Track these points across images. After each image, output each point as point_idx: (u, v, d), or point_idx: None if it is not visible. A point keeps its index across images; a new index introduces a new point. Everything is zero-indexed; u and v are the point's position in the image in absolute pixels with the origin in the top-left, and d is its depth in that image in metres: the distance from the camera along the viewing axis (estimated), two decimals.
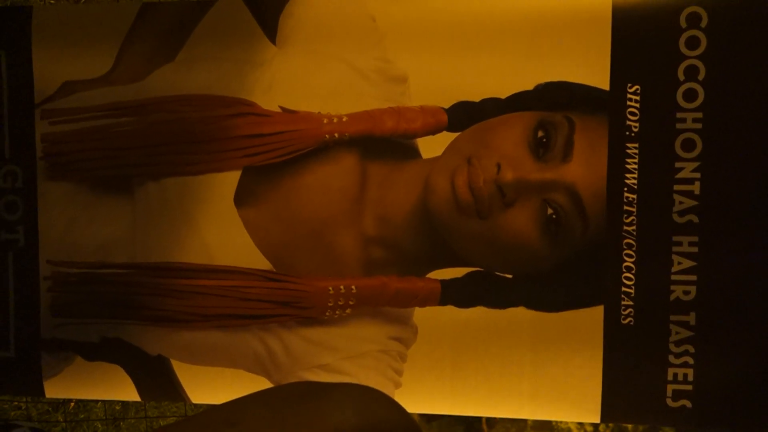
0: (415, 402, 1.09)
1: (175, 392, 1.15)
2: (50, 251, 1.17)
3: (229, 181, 1.11)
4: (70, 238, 1.16)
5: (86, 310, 1.16)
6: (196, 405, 1.27)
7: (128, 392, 1.17)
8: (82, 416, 1.99)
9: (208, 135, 1.11)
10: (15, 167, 1.17)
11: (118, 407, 2.21)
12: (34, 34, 1.15)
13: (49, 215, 1.16)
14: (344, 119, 1.08)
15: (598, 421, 1.06)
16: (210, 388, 1.15)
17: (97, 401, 2.00)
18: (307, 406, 0.52)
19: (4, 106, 1.17)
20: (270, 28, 1.10)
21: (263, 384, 1.12)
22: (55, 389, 1.19)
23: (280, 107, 1.10)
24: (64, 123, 1.15)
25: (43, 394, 1.19)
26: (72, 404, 1.98)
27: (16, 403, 1.81)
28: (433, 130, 1.07)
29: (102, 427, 2.03)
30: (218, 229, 1.12)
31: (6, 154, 1.17)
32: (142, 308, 1.14)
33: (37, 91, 1.16)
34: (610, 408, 1.05)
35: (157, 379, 1.15)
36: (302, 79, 1.09)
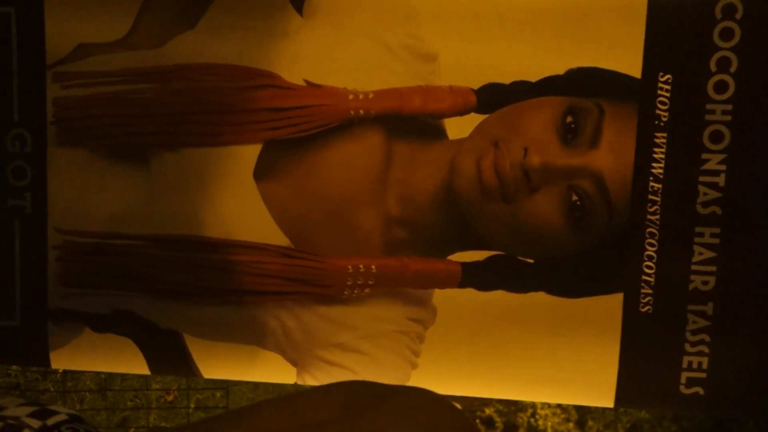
0: (432, 383, 1.08)
1: (187, 367, 1.14)
2: (59, 219, 1.13)
3: (249, 154, 1.09)
4: (81, 207, 1.13)
5: (97, 281, 1.13)
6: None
7: (138, 365, 1.15)
8: (70, 384, 1.96)
9: (228, 106, 1.09)
10: (24, 131, 1.13)
11: (103, 376, 2.18)
12: None
13: (59, 182, 1.13)
14: (370, 96, 1.06)
15: (611, 405, 1.08)
16: (223, 363, 1.13)
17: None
18: (364, 416, 0.51)
19: (14, 67, 1.12)
20: None
21: (278, 361, 1.12)
22: (61, 360, 1.16)
23: (305, 81, 1.07)
24: (78, 87, 1.11)
25: (48, 364, 1.16)
26: (59, 373, 1.95)
27: (6, 369, 1.78)
28: (461, 111, 1.05)
29: (90, 396, 2.00)
30: (236, 203, 1.10)
31: (15, 117, 1.13)
32: (155, 281, 1.12)
33: (49, 52, 1.11)
34: (624, 393, 1.06)
35: (168, 354, 1.14)
36: (328, 53, 1.07)
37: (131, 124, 1.11)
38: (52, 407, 0.71)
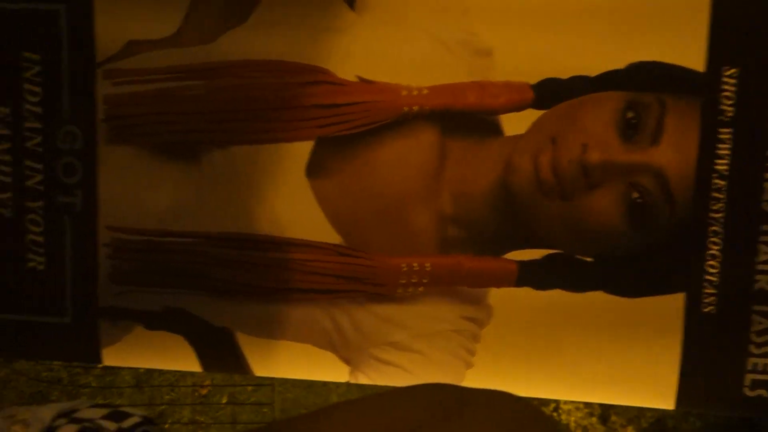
0: (487, 383, 1.07)
1: (238, 365, 1.13)
2: (110, 217, 1.13)
3: (300, 151, 1.07)
4: (132, 204, 1.12)
5: (148, 279, 1.13)
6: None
7: (189, 363, 1.15)
8: (109, 379, 1.98)
9: (279, 103, 1.07)
10: (74, 128, 1.12)
11: (141, 371, 2.20)
12: None
13: (110, 179, 1.12)
14: (424, 92, 1.04)
15: (672, 407, 1.05)
16: (275, 361, 1.13)
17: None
18: (450, 422, 0.50)
19: (64, 65, 1.12)
20: None
21: (330, 359, 1.11)
22: (113, 357, 1.16)
23: (357, 77, 1.05)
24: (128, 84, 1.10)
25: (100, 361, 1.17)
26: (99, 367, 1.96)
27: (50, 363, 1.79)
28: (518, 107, 1.03)
29: (128, 391, 2.01)
30: (288, 201, 1.09)
31: (65, 114, 1.12)
32: (206, 279, 1.11)
33: (99, 49, 1.10)
34: (685, 395, 1.04)
35: (220, 351, 1.13)
36: (381, 49, 1.05)
37: (181, 121, 1.10)
38: (125, 409, 0.71)
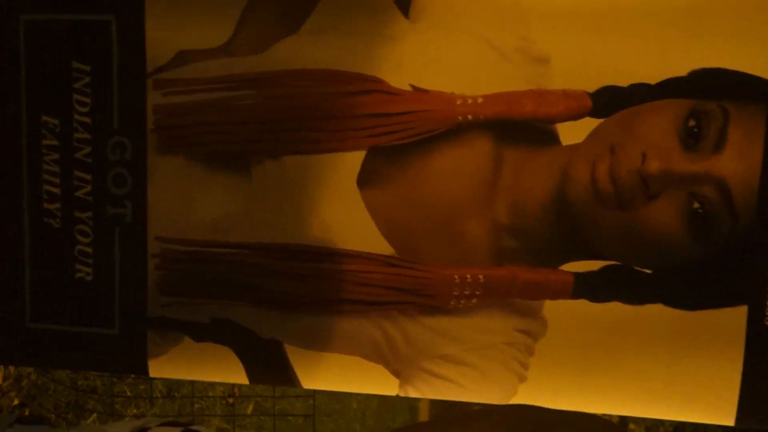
0: (541, 397, 1.06)
1: (287, 377, 1.12)
2: (159, 228, 1.12)
3: (352, 161, 1.06)
4: (181, 215, 1.12)
5: (197, 290, 1.12)
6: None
7: (237, 374, 1.13)
8: (142, 387, 1.97)
9: (331, 112, 1.06)
10: (124, 138, 1.12)
11: (173, 380, 2.20)
12: None
13: (159, 190, 1.12)
14: (479, 100, 1.02)
15: (732, 423, 1.03)
16: (324, 374, 1.11)
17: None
18: None
19: (114, 75, 1.11)
20: (403, 1, 1.04)
21: (380, 372, 1.09)
22: (160, 369, 1.15)
23: (411, 85, 1.04)
24: (178, 94, 1.10)
25: (147, 373, 1.16)
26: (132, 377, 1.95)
27: (84, 372, 1.79)
28: (576, 116, 1.01)
29: (162, 399, 2.01)
30: (339, 211, 1.07)
31: (115, 124, 1.12)
32: (255, 290, 1.10)
33: (149, 59, 1.10)
34: (746, 411, 1.01)
35: (268, 363, 1.12)
36: (436, 57, 1.04)
37: (232, 131, 1.09)
38: (195, 427, 0.69)
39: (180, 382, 2.24)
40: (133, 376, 1.99)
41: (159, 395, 2.02)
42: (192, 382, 2.29)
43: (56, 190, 1.14)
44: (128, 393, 1.90)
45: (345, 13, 1.05)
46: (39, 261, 1.16)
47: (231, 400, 2.52)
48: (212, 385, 2.42)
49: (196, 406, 2.34)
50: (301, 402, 2.51)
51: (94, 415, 1.75)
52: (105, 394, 1.82)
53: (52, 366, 1.53)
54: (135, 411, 1.91)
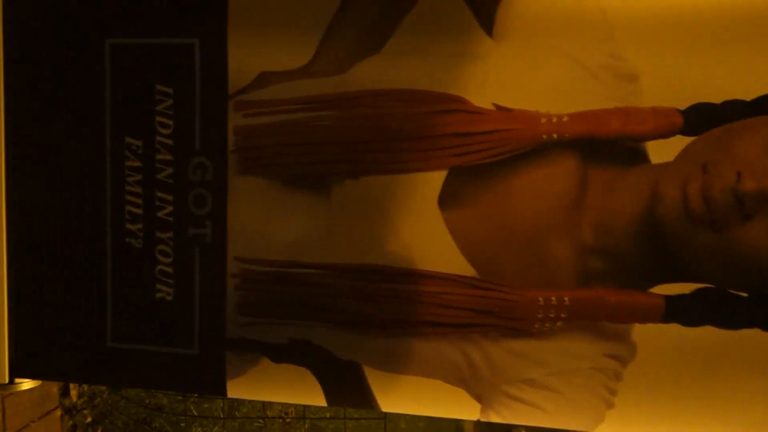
0: (629, 425, 1.02)
1: (365, 399, 1.10)
2: (239, 248, 1.13)
3: (433, 181, 1.05)
4: (261, 236, 1.12)
5: (276, 311, 1.12)
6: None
7: (315, 396, 1.13)
8: (206, 406, 1.98)
9: (413, 132, 1.06)
10: (205, 159, 1.13)
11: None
12: (230, 22, 1.11)
13: (239, 211, 1.12)
14: (565, 119, 1.01)
15: None
16: (403, 397, 1.09)
17: None
18: None
19: (196, 97, 1.13)
20: (486, 20, 1.03)
21: (461, 396, 1.07)
22: (238, 389, 1.15)
23: (494, 105, 1.03)
24: (259, 115, 1.11)
25: (225, 393, 1.16)
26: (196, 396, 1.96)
27: (152, 392, 1.81)
28: (666, 134, 0.98)
29: (229, 422, 2.02)
30: (420, 232, 1.06)
31: (196, 145, 1.13)
32: (334, 311, 1.10)
33: (231, 81, 1.11)
34: None
35: (346, 385, 1.11)
36: (520, 75, 1.02)
37: (312, 152, 1.09)
38: None
39: (241, 402, 2.25)
40: (196, 395, 2.00)
41: (222, 414, 2.03)
42: (251, 402, 2.30)
43: (138, 211, 1.16)
44: (194, 412, 1.92)
45: (428, 33, 1.05)
46: (120, 281, 1.17)
47: (288, 420, 2.52)
48: (270, 405, 2.42)
49: (255, 425, 2.34)
50: (352, 423, 2.49)
51: None
52: (171, 413, 1.84)
53: (132, 385, 1.54)
54: (199, 429, 1.92)
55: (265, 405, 2.42)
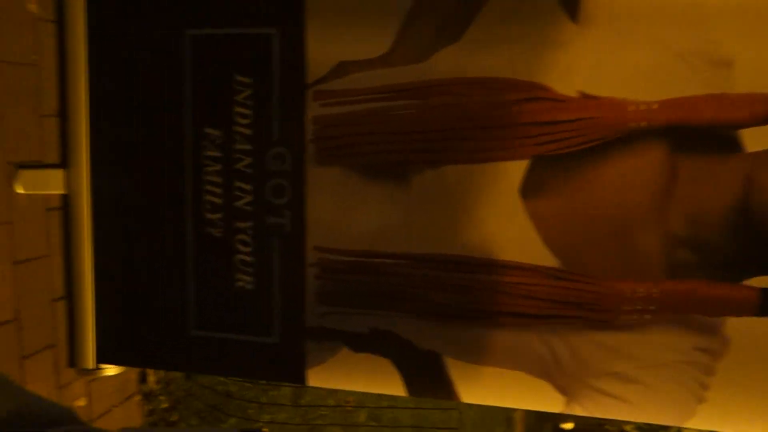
0: (722, 421, 0.99)
1: (446, 390, 1.10)
2: (318, 237, 1.13)
3: (515, 170, 1.03)
4: (339, 225, 1.12)
5: (355, 300, 1.12)
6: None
7: (394, 386, 1.12)
8: (272, 393, 2.01)
9: (494, 121, 1.04)
10: (283, 149, 1.14)
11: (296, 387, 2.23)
12: (308, 11, 1.11)
13: (318, 200, 1.13)
14: (654, 106, 0.97)
15: None
16: (485, 388, 1.09)
17: None
18: None
19: (275, 87, 1.13)
20: (571, 6, 1.00)
21: (545, 388, 1.06)
22: (317, 378, 1.16)
23: (579, 92, 1.00)
24: (338, 105, 1.10)
25: (305, 382, 1.17)
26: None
27: (222, 379, 1.84)
28: (762, 121, 0.94)
29: (293, 410, 2.04)
30: (501, 222, 1.05)
31: (274, 136, 1.14)
32: (415, 301, 1.09)
33: (309, 71, 1.11)
34: None
35: (427, 376, 1.10)
36: (607, 62, 0.99)
37: (391, 141, 1.09)
38: None
39: (304, 390, 2.28)
40: (263, 382, 2.03)
41: (287, 402, 2.06)
42: (314, 391, 2.32)
43: (218, 201, 1.17)
44: (263, 399, 1.95)
45: (509, 19, 1.03)
46: (201, 270, 1.19)
47: (348, 408, 2.54)
48: (331, 393, 2.44)
49: (318, 412, 2.37)
50: (409, 412, 2.50)
51: (233, 419, 1.80)
52: (241, 399, 1.87)
53: (212, 372, 1.57)
54: (266, 416, 1.94)
55: (328, 393, 2.44)
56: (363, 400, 2.49)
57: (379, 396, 2.24)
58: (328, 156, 1.12)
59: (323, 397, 2.41)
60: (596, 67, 1.00)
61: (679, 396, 1.00)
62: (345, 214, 1.12)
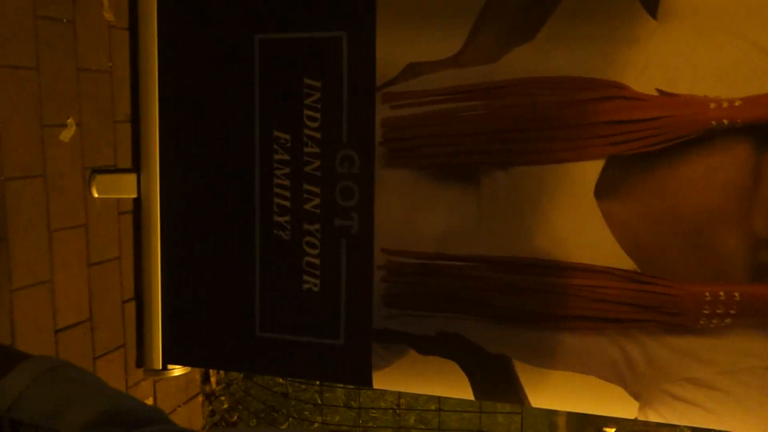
0: None
1: (514, 394, 1.08)
2: (385, 240, 1.13)
3: (589, 171, 1.02)
4: (407, 227, 1.12)
5: (422, 303, 1.11)
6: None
7: (461, 389, 1.12)
8: (327, 395, 2.01)
9: (567, 120, 1.02)
10: (352, 152, 1.14)
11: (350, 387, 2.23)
12: (378, 13, 1.11)
13: (386, 202, 1.12)
14: (737, 103, 0.95)
15: None
16: (555, 392, 1.07)
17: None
18: None
19: (344, 89, 1.13)
20: (650, 1, 0.98)
21: (618, 393, 1.03)
22: (384, 380, 1.16)
23: (657, 90, 0.98)
24: (407, 107, 1.10)
25: (371, 384, 1.16)
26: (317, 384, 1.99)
27: (278, 379, 1.85)
28: None
29: (346, 411, 2.04)
30: (574, 224, 1.03)
31: (343, 138, 1.14)
32: (483, 304, 1.08)
33: (378, 73, 1.11)
34: None
35: (495, 379, 1.09)
36: (687, 58, 0.97)
37: (462, 142, 1.08)
38: None
39: (357, 393, 2.27)
40: (317, 383, 2.03)
41: (341, 404, 2.06)
42: (367, 394, 2.31)
43: (286, 203, 1.18)
44: (318, 400, 1.95)
45: (585, 17, 1.01)
46: (269, 272, 1.20)
47: (399, 411, 2.53)
48: (382, 395, 2.44)
49: (371, 414, 2.36)
50: (456, 416, 2.47)
51: (290, 420, 1.81)
52: (297, 400, 1.88)
53: (278, 374, 1.58)
54: (319, 418, 1.95)
55: (379, 395, 2.43)
56: (413, 403, 2.48)
57: (428, 399, 2.23)
58: (397, 158, 1.12)
59: (374, 400, 2.40)
60: (675, 63, 0.98)
61: (762, 403, 0.97)
62: (413, 216, 1.11)
